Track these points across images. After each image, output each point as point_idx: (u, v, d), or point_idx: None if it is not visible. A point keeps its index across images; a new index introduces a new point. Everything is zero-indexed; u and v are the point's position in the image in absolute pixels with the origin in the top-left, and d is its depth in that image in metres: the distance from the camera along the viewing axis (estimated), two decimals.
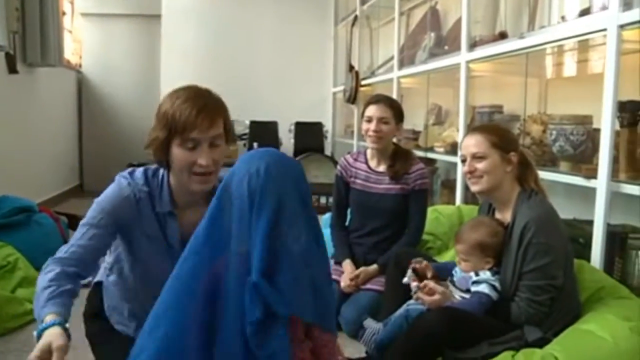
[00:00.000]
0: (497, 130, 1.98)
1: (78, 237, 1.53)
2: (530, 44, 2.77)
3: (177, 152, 1.47)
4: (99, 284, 1.82)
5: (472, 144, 1.95)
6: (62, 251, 1.54)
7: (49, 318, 1.31)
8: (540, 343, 1.71)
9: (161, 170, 1.58)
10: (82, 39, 7.14)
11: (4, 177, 4.28)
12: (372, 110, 2.72)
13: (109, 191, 1.57)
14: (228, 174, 1.30)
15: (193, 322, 1.22)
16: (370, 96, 2.84)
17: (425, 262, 2.07)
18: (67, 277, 1.47)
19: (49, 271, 1.48)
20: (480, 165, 1.92)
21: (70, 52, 6.74)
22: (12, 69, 4.53)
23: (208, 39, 7.24)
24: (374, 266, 2.68)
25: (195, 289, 1.23)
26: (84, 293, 1.69)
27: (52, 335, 1.25)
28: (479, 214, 2.16)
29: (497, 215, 2.00)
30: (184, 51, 7.17)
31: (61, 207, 5.10)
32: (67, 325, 1.34)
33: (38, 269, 3.00)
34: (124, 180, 1.56)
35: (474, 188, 1.97)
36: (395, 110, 2.74)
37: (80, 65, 7.06)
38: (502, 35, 3.28)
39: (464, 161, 1.99)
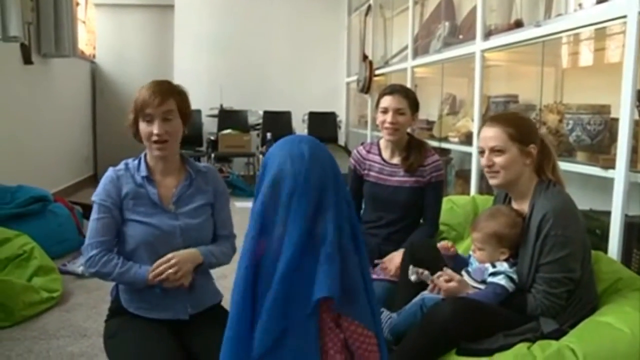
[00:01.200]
0: (516, 122, 1.91)
1: (93, 233, 1.85)
2: (547, 33, 2.73)
3: (141, 126, 1.86)
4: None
5: (490, 136, 1.89)
6: (96, 246, 1.84)
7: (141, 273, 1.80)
8: (556, 335, 1.68)
9: (140, 156, 1.96)
10: (96, 30, 7.16)
11: (20, 167, 4.31)
12: (387, 101, 2.66)
13: (101, 181, 1.93)
14: (267, 155, 1.35)
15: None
16: (385, 86, 2.78)
17: (425, 272, 2.04)
18: (108, 251, 1.84)
19: (110, 260, 1.82)
20: (499, 160, 1.87)
21: (84, 43, 6.76)
22: (27, 60, 4.56)
23: (221, 29, 7.23)
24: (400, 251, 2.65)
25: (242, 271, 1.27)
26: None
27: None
28: (495, 203, 2.13)
29: (514, 206, 1.97)
30: (197, 41, 7.17)
31: (75, 197, 5.14)
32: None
33: (53, 258, 3.09)
34: (109, 169, 1.94)
35: (491, 182, 1.93)
36: (411, 100, 2.68)
37: (94, 56, 7.09)
38: (518, 24, 3.23)
39: (482, 152, 1.95)
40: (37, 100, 4.91)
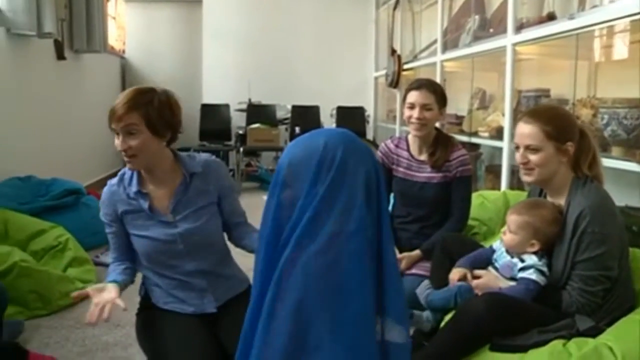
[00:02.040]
0: (554, 118, 1.85)
1: (110, 241, 1.94)
2: (581, 25, 2.68)
3: (115, 139, 1.79)
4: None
5: (526, 134, 1.85)
6: (112, 255, 1.97)
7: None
8: (593, 333, 1.65)
9: None
10: (126, 25, 7.25)
11: (53, 160, 4.39)
12: (414, 97, 2.63)
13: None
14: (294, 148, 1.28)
15: None
16: (412, 81, 2.75)
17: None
18: (121, 262, 1.92)
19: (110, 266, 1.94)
20: (534, 157, 1.84)
21: (114, 39, 6.85)
22: (60, 55, 4.64)
23: (249, 24, 7.25)
24: (417, 251, 2.65)
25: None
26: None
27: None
28: (529, 197, 2.10)
29: (549, 200, 1.94)
30: (225, 36, 7.21)
31: None
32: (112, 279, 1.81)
33: (86, 249, 3.14)
34: (107, 183, 1.92)
35: (525, 179, 1.90)
36: (439, 95, 2.65)
37: (123, 51, 7.18)
38: (550, 17, 3.18)
39: (517, 148, 1.92)
40: (70, 94, 5.00)
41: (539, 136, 1.82)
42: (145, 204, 1.84)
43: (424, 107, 2.58)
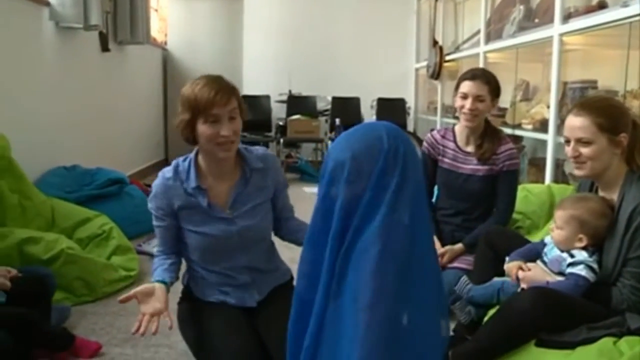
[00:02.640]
0: (606, 110, 1.78)
1: (157, 233, 1.93)
2: (635, 13, 2.59)
3: (203, 128, 1.73)
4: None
5: (577, 126, 1.79)
6: (158, 248, 1.97)
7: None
8: None
9: (191, 155, 1.87)
10: (168, 17, 7.32)
11: (98, 150, 4.48)
12: (467, 87, 2.57)
13: (152, 188, 1.90)
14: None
15: None
16: (466, 70, 2.69)
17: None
18: (167, 256, 1.93)
19: (156, 259, 1.96)
20: (585, 150, 1.77)
21: (156, 30, 6.94)
22: (105, 47, 4.72)
23: (289, 16, 7.26)
24: (460, 245, 2.62)
25: None
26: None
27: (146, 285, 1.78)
28: (578, 191, 2.04)
29: (601, 195, 1.88)
30: (266, 28, 7.23)
31: (147, 180, 5.30)
32: (160, 278, 1.82)
33: (130, 238, 3.19)
34: (158, 176, 1.88)
35: (577, 173, 1.84)
36: (492, 86, 2.58)
37: (165, 43, 7.26)
38: (601, 5, 3.08)
39: (567, 142, 1.86)
40: (113, 86, 5.08)
41: (591, 129, 1.76)
42: (204, 201, 1.82)
43: (477, 98, 2.53)
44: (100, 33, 4.59)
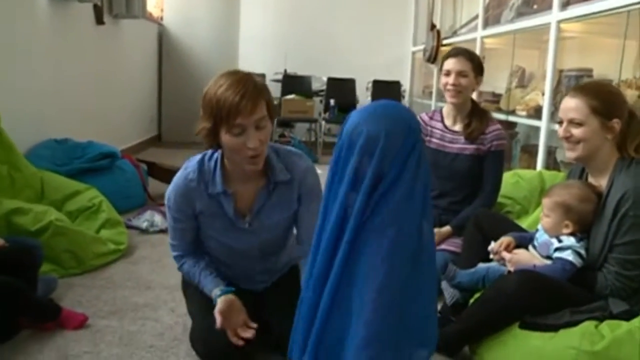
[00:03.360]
0: (601, 94, 1.79)
1: (172, 234, 1.83)
2: (634, 1, 2.57)
3: (226, 139, 1.56)
4: None
5: (570, 107, 1.80)
6: (177, 249, 1.87)
7: (213, 294, 1.74)
8: (626, 316, 1.62)
9: (217, 153, 1.72)
10: None
11: (90, 124, 4.45)
12: (450, 64, 2.63)
13: (171, 184, 1.77)
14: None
15: None
16: (449, 49, 2.74)
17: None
18: (195, 259, 1.83)
19: (182, 264, 1.86)
20: (577, 132, 1.78)
21: (152, 6, 6.86)
22: (99, 20, 4.66)
23: None
24: (447, 227, 2.63)
25: None
26: None
27: (220, 302, 1.70)
28: (568, 178, 2.05)
29: (591, 181, 1.88)
30: (264, 6, 7.18)
31: (140, 156, 5.27)
32: (221, 290, 1.74)
33: (120, 213, 3.19)
34: (180, 172, 1.74)
35: (569, 154, 1.84)
36: (475, 63, 2.64)
37: (161, 18, 7.18)
38: None
39: (560, 123, 1.87)
40: (108, 59, 5.03)
41: (584, 110, 1.77)
42: (229, 207, 1.71)
43: (460, 74, 2.59)
44: (95, 5, 4.53)
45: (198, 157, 1.75)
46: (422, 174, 1.22)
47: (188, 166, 1.74)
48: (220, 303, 1.68)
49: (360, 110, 1.27)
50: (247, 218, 1.74)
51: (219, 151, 1.71)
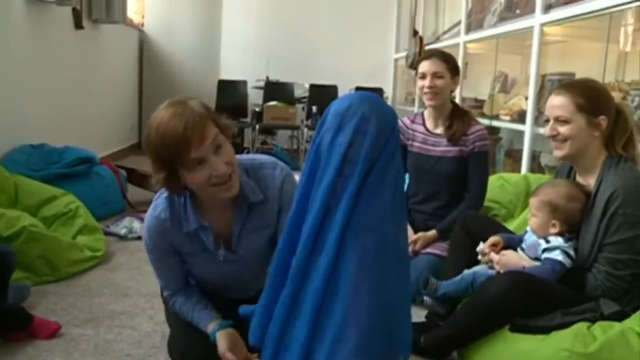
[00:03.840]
0: (587, 91, 1.77)
1: (159, 275, 1.72)
2: (616, 3, 2.57)
3: (190, 178, 1.43)
4: None
5: (556, 105, 1.77)
6: (166, 289, 1.76)
7: (209, 329, 1.63)
8: (618, 317, 1.58)
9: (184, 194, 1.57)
10: None
11: (67, 130, 4.36)
12: (425, 66, 2.59)
13: (144, 227, 1.65)
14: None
15: None
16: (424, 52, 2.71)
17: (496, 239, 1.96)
18: (186, 295, 1.72)
19: (174, 302, 1.73)
20: (563, 130, 1.75)
21: (133, 11, 6.78)
22: (78, 25, 4.58)
23: (269, 1, 7.18)
24: (433, 231, 2.59)
25: None
26: None
27: (220, 338, 1.58)
28: (556, 177, 2.02)
29: (579, 180, 1.85)
30: (245, 13, 7.14)
31: (120, 163, 5.19)
32: (219, 324, 1.63)
33: (98, 219, 3.10)
34: (150, 212, 1.61)
35: (556, 153, 1.81)
36: (450, 63, 2.60)
37: (142, 25, 7.11)
38: None
39: (547, 121, 1.83)
40: (87, 65, 4.95)
41: (570, 108, 1.74)
42: (209, 240, 1.58)
43: (435, 75, 2.56)
44: (74, 9, 4.45)
45: (161, 197, 1.60)
46: (400, 177, 1.22)
47: (157, 204, 1.60)
48: (223, 339, 1.56)
49: (348, 95, 1.24)
50: (230, 247, 1.62)
51: (185, 196, 1.57)
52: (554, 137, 1.79)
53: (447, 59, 2.60)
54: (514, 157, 4.04)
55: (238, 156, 1.57)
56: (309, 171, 1.20)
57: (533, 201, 1.85)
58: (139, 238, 3.19)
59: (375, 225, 1.13)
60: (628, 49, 3.11)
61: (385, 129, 1.17)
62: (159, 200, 1.60)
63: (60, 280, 2.52)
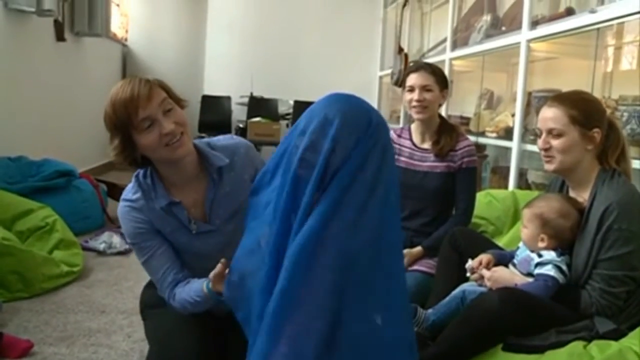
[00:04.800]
0: (580, 103, 1.72)
1: (152, 269, 1.61)
2: (603, 19, 2.56)
3: (142, 141, 1.48)
4: None
5: (549, 117, 1.72)
6: (162, 283, 1.62)
7: (203, 286, 1.52)
8: (614, 336, 1.52)
9: (148, 170, 1.61)
10: (129, 13, 7.12)
11: (47, 142, 4.27)
12: (413, 79, 2.54)
13: (119, 217, 1.63)
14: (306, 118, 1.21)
15: None
16: (411, 65, 2.67)
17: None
18: (184, 283, 1.60)
19: (175, 296, 1.60)
20: (556, 143, 1.70)
21: (116, 26, 6.73)
22: (60, 37, 4.52)
23: (254, 16, 7.17)
24: (419, 248, 2.53)
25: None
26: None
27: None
28: (548, 192, 1.97)
29: (572, 195, 1.81)
30: (230, 29, 7.12)
31: (100, 177, 5.09)
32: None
33: (76, 234, 3.01)
34: (121, 204, 1.61)
35: (547, 167, 1.77)
36: (438, 76, 2.55)
37: (126, 39, 7.05)
38: (569, 12, 3.06)
39: (538, 136, 1.79)
40: (68, 78, 4.87)
41: (563, 120, 1.69)
42: (183, 215, 1.58)
43: (424, 89, 2.49)
44: (56, 21, 4.40)
45: (131, 183, 1.62)
46: (385, 179, 1.15)
47: (126, 190, 1.61)
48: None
49: (324, 97, 1.20)
50: (206, 219, 1.61)
51: (148, 168, 1.60)
52: (546, 150, 1.74)
53: (436, 72, 2.55)
54: (500, 174, 4.01)
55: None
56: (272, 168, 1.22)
57: (526, 212, 1.80)
58: (119, 253, 3.11)
59: (335, 234, 1.08)
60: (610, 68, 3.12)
61: (352, 130, 1.12)
62: (127, 187, 1.62)
63: (35, 296, 2.44)
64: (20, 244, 2.53)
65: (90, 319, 2.25)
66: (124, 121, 1.45)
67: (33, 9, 3.75)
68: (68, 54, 4.81)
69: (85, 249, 3.10)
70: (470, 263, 1.89)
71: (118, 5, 6.86)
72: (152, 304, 1.75)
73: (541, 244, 1.75)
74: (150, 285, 1.80)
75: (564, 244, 1.74)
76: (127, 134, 1.47)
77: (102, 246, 3.18)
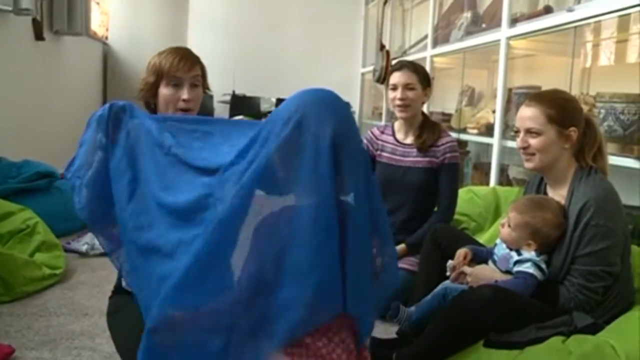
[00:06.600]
0: (557, 102, 1.76)
1: None
2: (581, 17, 2.59)
3: (164, 91, 1.75)
4: None
5: (527, 116, 1.76)
6: None
7: None
8: (592, 330, 1.56)
9: None
10: (109, 11, 7.06)
11: (27, 143, 4.22)
12: (396, 77, 2.58)
13: None
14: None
15: None
16: (394, 63, 2.71)
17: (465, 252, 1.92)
18: None
19: None
20: (534, 142, 1.74)
21: (97, 24, 6.66)
22: (39, 36, 4.46)
23: (236, 14, 7.15)
24: (402, 245, 2.55)
25: None
26: None
27: None
28: (527, 189, 1.99)
29: (549, 192, 1.84)
30: (212, 27, 7.09)
31: None
32: None
33: (58, 236, 2.99)
34: None
35: (527, 165, 1.80)
36: (421, 75, 2.59)
37: (106, 38, 6.98)
38: (547, 10, 3.10)
39: (517, 132, 1.82)
40: (47, 77, 4.81)
41: (540, 119, 1.73)
42: None
43: (407, 87, 2.54)
44: (34, 20, 4.33)
45: None
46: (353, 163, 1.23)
47: None
48: None
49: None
50: None
51: None
52: (524, 148, 1.77)
53: (418, 70, 2.59)
54: (481, 170, 4.05)
55: None
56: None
57: (516, 217, 1.79)
58: (102, 255, 3.08)
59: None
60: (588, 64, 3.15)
61: (279, 118, 1.16)
62: None
63: (16, 300, 2.41)
64: (0, 247, 2.51)
65: (73, 322, 2.24)
66: (162, 68, 1.73)
67: (10, 8, 3.70)
68: (47, 53, 4.75)
69: (67, 250, 3.07)
70: (450, 262, 1.92)
71: (98, 3, 6.79)
72: (112, 311, 1.73)
73: (527, 248, 1.77)
74: (115, 293, 1.79)
75: (547, 249, 1.77)
76: (158, 80, 1.75)
77: (84, 248, 3.16)
